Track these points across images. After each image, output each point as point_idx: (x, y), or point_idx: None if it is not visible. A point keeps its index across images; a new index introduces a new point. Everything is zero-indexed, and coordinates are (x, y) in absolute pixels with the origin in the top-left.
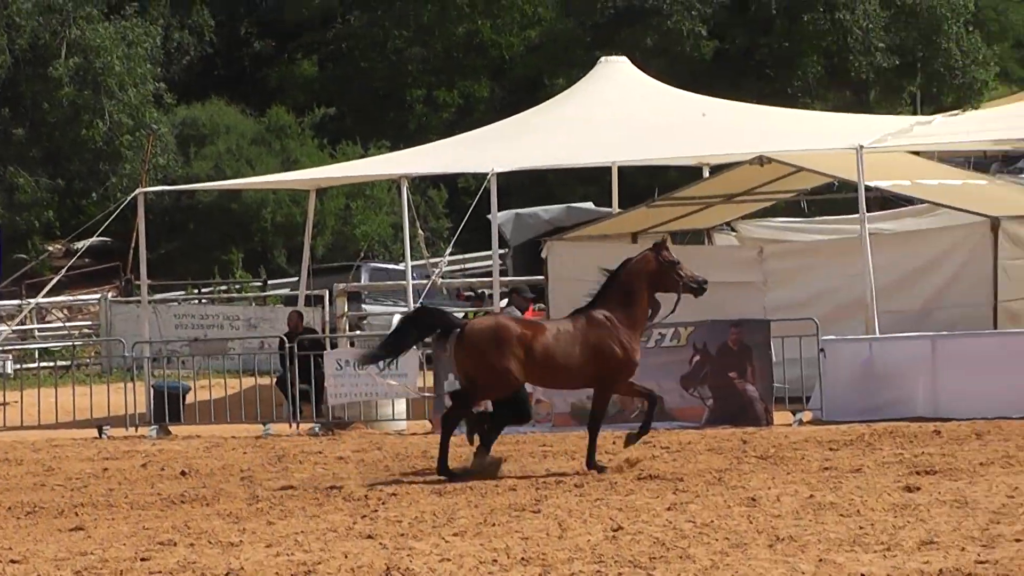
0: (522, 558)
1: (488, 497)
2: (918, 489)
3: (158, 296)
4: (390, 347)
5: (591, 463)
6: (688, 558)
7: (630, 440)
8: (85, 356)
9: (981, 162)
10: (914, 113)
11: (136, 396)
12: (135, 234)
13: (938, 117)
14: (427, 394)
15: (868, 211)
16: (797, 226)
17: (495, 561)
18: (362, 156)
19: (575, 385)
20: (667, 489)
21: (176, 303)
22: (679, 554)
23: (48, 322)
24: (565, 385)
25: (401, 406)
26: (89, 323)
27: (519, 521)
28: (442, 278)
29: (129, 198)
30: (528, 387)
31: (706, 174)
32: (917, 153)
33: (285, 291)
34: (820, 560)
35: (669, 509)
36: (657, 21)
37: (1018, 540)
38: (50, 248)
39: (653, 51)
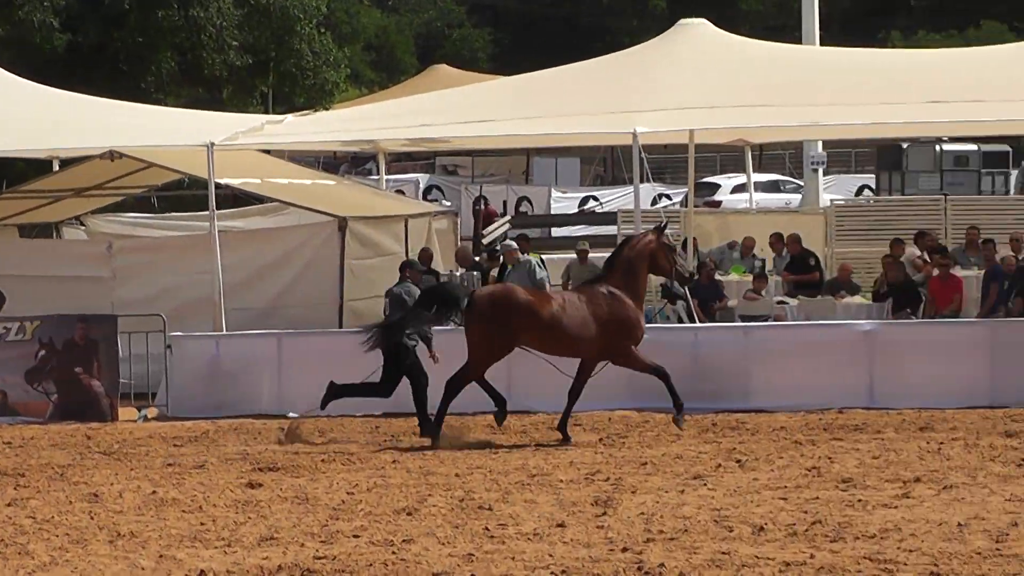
0: None
1: None
2: (260, 486)
3: None
4: (404, 324)
5: (562, 427)
6: (27, 554)
7: (677, 422)
8: None
9: (331, 162)
10: (266, 112)
11: None
12: None
13: (289, 117)
14: None
15: (218, 208)
16: (147, 222)
17: None
18: None
19: (579, 354)
20: (8, 484)
21: None
22: (18, 550)
23: None
24: (568, 353)
25: None
26: None
27: None
28: None
29: None
30: None
31: (56, 167)
32: (268, 152)
33: None
34: (160, 556)
35: (9, 505)
36: (8, 11)
37: (356, 536)
38: None
39: (4, 42)
